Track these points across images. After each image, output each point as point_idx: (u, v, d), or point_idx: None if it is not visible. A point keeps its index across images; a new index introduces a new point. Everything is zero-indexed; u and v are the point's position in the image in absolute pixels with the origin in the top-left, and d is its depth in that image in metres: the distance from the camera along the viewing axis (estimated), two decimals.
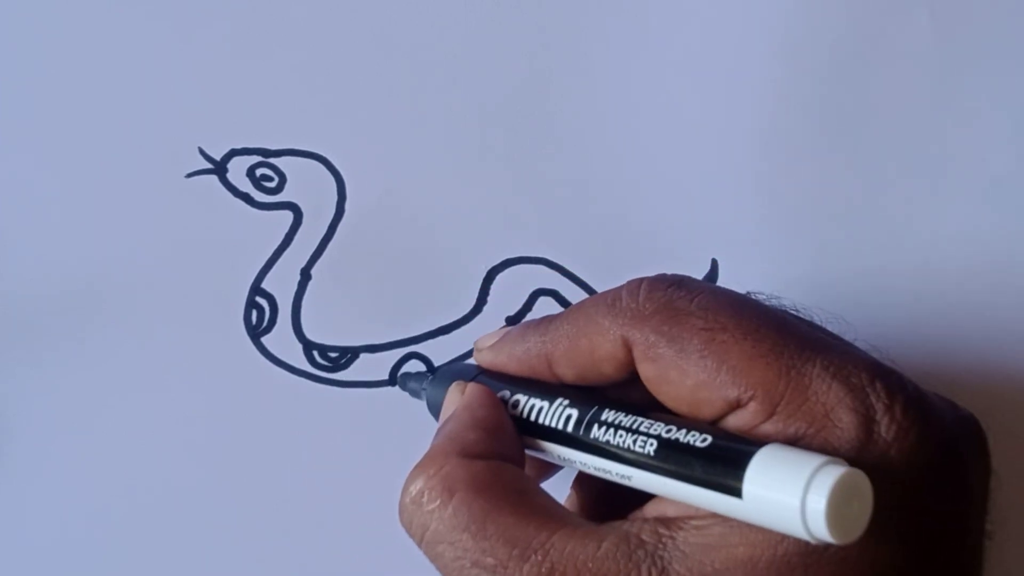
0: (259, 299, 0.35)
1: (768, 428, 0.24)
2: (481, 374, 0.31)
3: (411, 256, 0.36)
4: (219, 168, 0.35)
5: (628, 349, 0.26)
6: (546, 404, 0.28)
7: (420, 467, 0.27)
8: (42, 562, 0.35)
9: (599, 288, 0.35)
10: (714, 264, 0.35)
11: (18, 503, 0.35)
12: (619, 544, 0.24)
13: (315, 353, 0.35)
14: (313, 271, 0.35)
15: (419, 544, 0.26)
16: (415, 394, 0.34)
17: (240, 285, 0.35)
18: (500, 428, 0.28)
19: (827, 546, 0.22)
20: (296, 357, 0.35)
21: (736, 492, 0.23)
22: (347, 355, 0.35)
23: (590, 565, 0.24)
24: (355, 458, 0.35)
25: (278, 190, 0.35)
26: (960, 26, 0.36)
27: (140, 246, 0.35)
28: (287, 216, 0.35)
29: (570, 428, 0.27)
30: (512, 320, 0.35)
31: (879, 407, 0.23)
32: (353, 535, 0.35)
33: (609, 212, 0.36)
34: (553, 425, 0.28)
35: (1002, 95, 0.36)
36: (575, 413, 0.27)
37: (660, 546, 0.24)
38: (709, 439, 0.24)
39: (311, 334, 0.35)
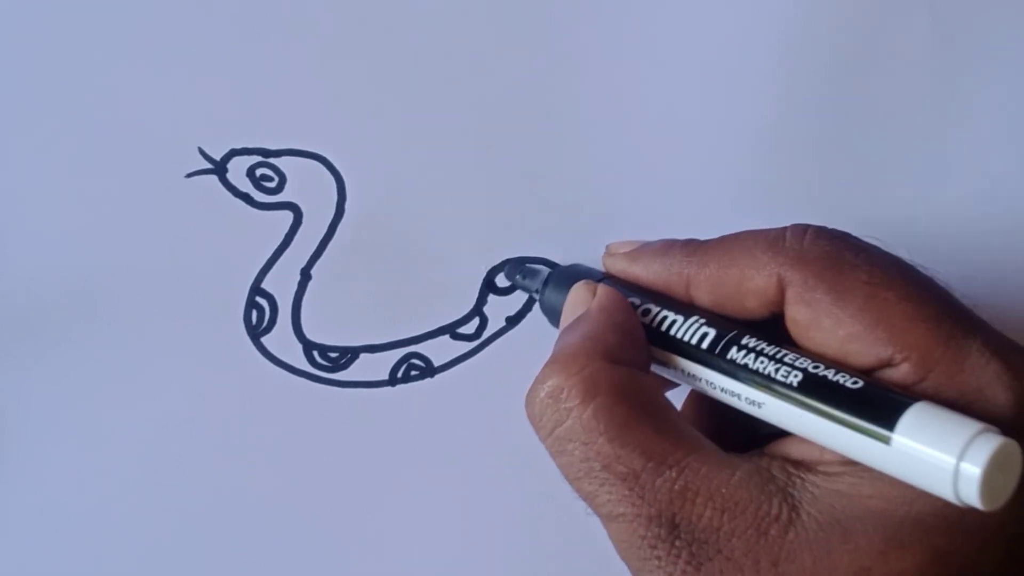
0: (259, 299, 0.35)
1: (916, 392, 0.24)
2: (606, 279, 0.31)
3: (411, 256, 0.36)
4: (219, 168, 0.35)
5: (781, 288, 0.26)
6: (680, 318, 0.28)
7: (560, 363, 0.26)
8: (41, 562, 0.35)
9: None
10: None
11: (17, 503, 0.35)
12: (752, 475, 0.25)
13: (315, 353, 0.35)
14: (313, 271, 0.35)
15: (545, 437, 0.26)
16: (526, 290, 0.34)
17: (240, 285, 0.35)
18: (635, 335, 0.28)
19: (965, 512, 0.22)
20: (296, 357, 0.35)
21: (884, 439, 0.23)
22: (347, 355, 0.35)
23: (723, 491, 0.24)
24: (355, 458, 0.35)
25: (278, 190, 0.35)
26: (960, 26, 0.36)
27: (140, 246, 0.35)
28: (287, 216, 0.35)
29: (705, 345, 0.27)
30: (512, 320, 0.35)
31: None
32: (353, 535, 0.35)
33: (608, 212, 0.36)
34: (687, 339, 0.27)
35: (1002, 95, 0.36)
36: (712, 332, 0.27)
37: (790, 484, 0.24)
38: (861, 383, 0.24)
39: (311, 334, 0.35)
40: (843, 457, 0.24)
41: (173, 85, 0.35)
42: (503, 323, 0.36)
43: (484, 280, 0.35)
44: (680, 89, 0.36)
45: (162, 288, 0.35)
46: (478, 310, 0.35)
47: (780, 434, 0.26)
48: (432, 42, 0.36)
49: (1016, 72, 0.36)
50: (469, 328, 0.36)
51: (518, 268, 0.35)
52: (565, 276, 0.32)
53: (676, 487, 0.24)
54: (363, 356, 0.35)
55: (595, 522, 0.26)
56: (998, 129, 0.36)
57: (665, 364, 0.28)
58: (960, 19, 0.36)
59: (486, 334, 0.36)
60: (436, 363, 0.35)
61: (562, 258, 0.35)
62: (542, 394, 0.26)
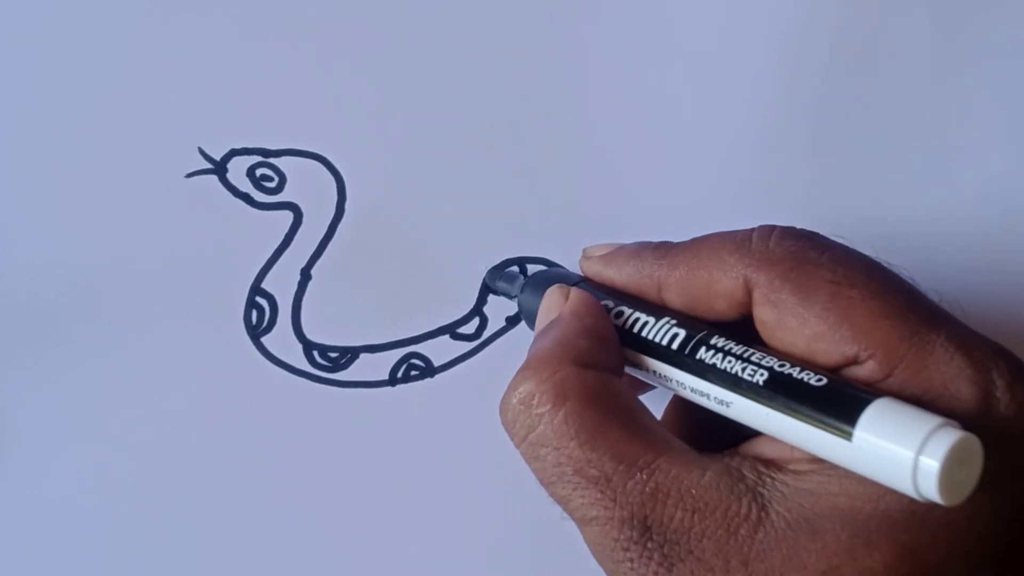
0: (259, 299, 0.35)
1: (882, 389, 0.24)
2: (582, 282, 0.31)
3: (411, 256, 0.36)
4: (219, 168, 0.35)
5: (748, 290, 0.26)
6: (652, 319, 0.28)
7: (531, 369, 0.27)
8: (41, 561, 0.35)
9: None
10: None
11: (17, 503, 0.35)
12: (722, 475, 0.25)
13: (315, 353, 0.35)
14: (313, 271, 0.35)
15: (519, 444, 0.27)
16: (504, 294, 0.34)
17: (240, 285, 0.35)
18: (607, 338, 0.28)
19: (930, 507, 0.22)
20: (296, 357, 0.35)
21: (846, 435, 0.23)
22: (347, 355, 0.35)
23: (693, 491, 0.24)
24: (355, 458, 0.35)
25: (278, 190, 0.35)
26: (960, 26, 0.36)
27: (140, 246, 0.35)
28: (287, 216, 0.35)
29: (675, 346, 0.27)
30: (512, 320, 0.35)
31: (1000, 384, 0.24)
32: (352, 535, 0.35)
33: (608, 212, 0.36)
34: (657, 340, 0.28)
35: (1002, 95, 0.36)
36: (682, 333, 0.27)
37: (760, 483, 0.25)
38: (825, 380, 0.24)
39: (311, 334, 0.35)
40: (811, 455, 0.24)
41: (173, 85, 0.35)
42: (503, 323, 0.36)
43: (484, 280, 0.35)
44: (680, 89, 0.36)
45: (162, 288, 0.35)
46: (478, 310, 0.36)
47: (757, 434, 0.26)
48: (432, 42, 0.36)
49: (1016, 72, 0.36)
50: (469, 328, 0.36)
51: (497, 274, 0.35)
52: (541, 280, 0.32)
53: (647, 489, 0.25)
54: (363, 356, 0.35)
55: None
56: (998, 129, 0.36)
57: (638, 366, 0.28)
58: (960, 19, 0.36)
59: (486, 334, 0.36)
60: (436, 363, 0.35)
61: (562, 258, 0.35)
62: (514, 400, 0.27)
